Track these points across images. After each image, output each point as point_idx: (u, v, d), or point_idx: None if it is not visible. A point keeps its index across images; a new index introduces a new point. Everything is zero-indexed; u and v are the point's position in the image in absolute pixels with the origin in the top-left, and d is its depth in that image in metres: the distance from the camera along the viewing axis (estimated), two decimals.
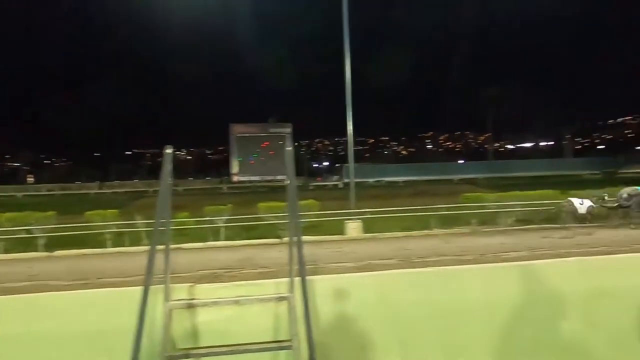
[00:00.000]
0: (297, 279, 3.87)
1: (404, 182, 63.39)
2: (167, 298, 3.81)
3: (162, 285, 3.83)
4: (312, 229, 16.04)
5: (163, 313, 3.76)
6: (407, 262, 5.86)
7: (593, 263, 3.87)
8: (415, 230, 15.04)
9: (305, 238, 13.40)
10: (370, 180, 67.23)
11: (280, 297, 3.95)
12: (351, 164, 17.75)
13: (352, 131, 16.95)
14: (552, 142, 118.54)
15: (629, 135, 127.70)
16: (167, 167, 3.53)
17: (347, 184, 19.85)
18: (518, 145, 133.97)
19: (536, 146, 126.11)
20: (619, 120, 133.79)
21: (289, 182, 3.70)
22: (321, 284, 4.29)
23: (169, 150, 3.60)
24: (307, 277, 3.62)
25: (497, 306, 3.91)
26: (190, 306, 3.98)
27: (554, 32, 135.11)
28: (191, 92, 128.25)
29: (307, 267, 6.80)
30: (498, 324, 3.92)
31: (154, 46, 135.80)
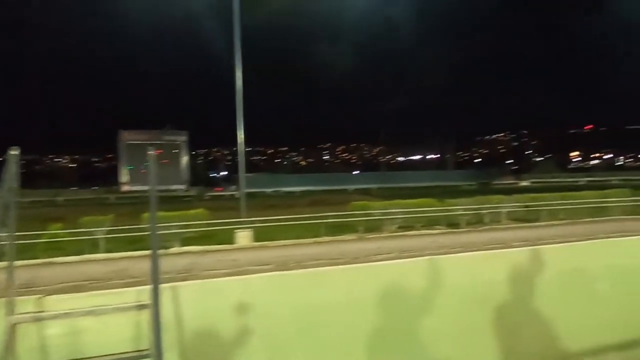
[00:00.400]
0: (161, 286, 3.74)
1: (302, 191, 64.48)
2: (9, 312, 3.49)
3: (2, 299, 3.51)
4: (203, 238, 15.68)
5: (5, 328, 3.43)
6: (283, 267, 6.05)
7: (441, 261, 4.26)
8: (306, 238, 15.39)
9: (193, 248, 13.01)
10: (268, 190, 67.50)
11: (141, 305, 3.81)
12: (242, 173, 17.68)
13: (243, 140, 16.91)
14: (438, 155, 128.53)
15: (501, 151, 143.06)
16: (12, 170, 3.23)
17: (245, 194, 19.73)
18: (408, 158, 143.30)
19: (424, 159, 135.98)
20: (494, 137, 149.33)
21: (152, 191, 3.60)
22: (187, 289, 4.21)
23: (14, 152, 3.31)
24: (175, 284, 3.54)
25: (360, 304, 4.12)
26: (38, 319, 3.68)
27: (441, 55, 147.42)
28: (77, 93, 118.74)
29: (181, 275, 6.77)
30: (361, 321, 4.13)
31: None
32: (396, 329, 4.12)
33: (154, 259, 3.34)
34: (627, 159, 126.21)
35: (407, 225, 18.16)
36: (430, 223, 18.74)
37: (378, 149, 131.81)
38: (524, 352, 4.00)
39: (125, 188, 60.03)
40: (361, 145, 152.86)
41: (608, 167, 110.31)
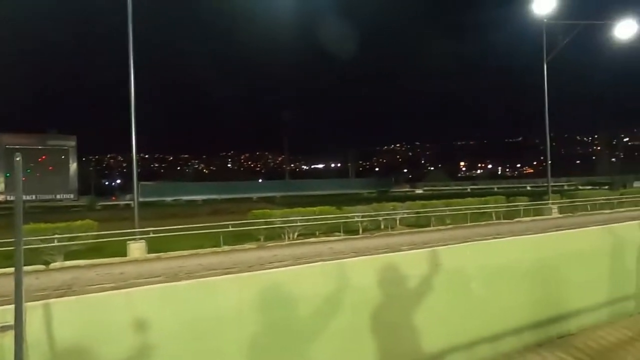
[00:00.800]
0: (30, 304, 3.46)
1: (204, 200, 62.67)
2: None
3: None
4: (92, 251, 14.60)
5: None
6: (174, 279, 5.84)
7: (330, 267, 4.38)
8: (205, 247, 14.99)
9: (78, 262, 12.04)
10: (169, 198, 64.67)
11: (3, 326, 3.46)
12: (135, 180, 16.76)
13: (135, 146, 16.02)
14: (340, 164, 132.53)
15: (399, 160, 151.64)
16: None
17: (142, 203, 18.65)
18: (312, 166, 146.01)
19: (327, 167, 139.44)
20: (392, 147, 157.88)
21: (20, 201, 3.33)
22: (61, 307, 3.91)
23: None
24: (48, 301, 3.27)
25: (250, 313, 4.10)
26: None
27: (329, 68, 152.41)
28: None
29: (59, 292, 6.21)
30: (250, 330, 4.11)
31: None
32: (282, 335, 4.16)
33: (18, 275, 3.08)
34: (505, 169, 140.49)
35: (307, 233, 18.48)
36: (330, 230, 19.25)
37: (282, 157, 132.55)
38: (401, 352, 4.25)
39: (0, 197, 53.97)
40: (265, 153, 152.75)
41: (490, 175, 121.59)
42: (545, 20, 26.74)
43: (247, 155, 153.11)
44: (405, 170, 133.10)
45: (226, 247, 15.30)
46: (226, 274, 6.16)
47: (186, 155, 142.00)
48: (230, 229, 16.95)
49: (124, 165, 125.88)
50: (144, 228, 15.34)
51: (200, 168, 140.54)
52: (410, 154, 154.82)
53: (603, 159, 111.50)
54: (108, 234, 15.46)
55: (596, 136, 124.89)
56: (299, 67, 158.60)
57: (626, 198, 31.82)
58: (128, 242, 14.61)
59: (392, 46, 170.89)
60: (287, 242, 16.69)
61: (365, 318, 4.05)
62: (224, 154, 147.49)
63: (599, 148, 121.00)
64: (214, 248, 15.00)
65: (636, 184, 65.56)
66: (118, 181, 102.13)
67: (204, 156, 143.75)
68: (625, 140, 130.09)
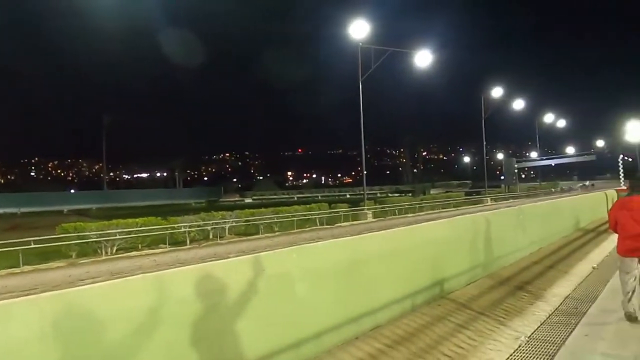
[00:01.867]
0: None
1: None
2: None
3: None
4: None
5: None
6: None
7: (150, 279, 4.10)
8: None
9: None
10: None
11: None
12: None
13: None
14: (166, 173, 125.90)
15: (229, 169, 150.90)
16: None
17: None
18: (135, 176, 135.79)
19: (152, 176, 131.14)
20: (221, 156, 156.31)
21: None
22: None
23: None
24: None
25: (53, 340, 3.58)
26: None
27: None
28: None
29: None
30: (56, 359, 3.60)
31: None
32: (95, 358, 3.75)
33: None
34: (328, 179, 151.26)
35: (128, 247, 17.07)
36: (155, 242, 18.11)
37: (99, 165, 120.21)
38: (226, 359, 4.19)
39: None
40: (79, 160, 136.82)
41: (315, 184, 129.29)
42: (360, 44, 29.88)
43: (55, 162, 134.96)
44: (235, 180, 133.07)
45: (27, 267, 13.19)
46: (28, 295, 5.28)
47: None
48: (33, 245, 14.67)
49: None
50: None
51: None
52: (240, 163, 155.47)
53: (407, 170, 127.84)
54: None
55: (402, 150, 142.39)
56: (122, 71, 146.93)
57: (425, 203, 37.55)
58: None
59: (226, 55, 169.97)
60: (104, 258, 15.15)
61: (188, 329, 3.90)
62: (25, 160, 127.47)
63: (404, 160, 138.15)
64: (12, 269, 12.80)
65: (433, 191, 76.91)
66: None
67: None
68: (424, 154, 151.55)
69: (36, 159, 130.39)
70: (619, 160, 44.05)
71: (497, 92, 51.87)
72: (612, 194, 23.25)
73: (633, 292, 5.19)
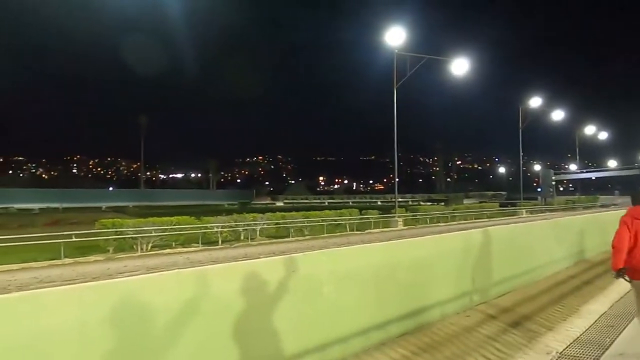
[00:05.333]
0: None
1: (41, 209, 55.50)
2: None
3: None
4: None
5: None
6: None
7: (189, 274, 4.24)
8: (41, 260, 13.29)
9: None
10: None
11: None
12: None
13: None
14: (200, 174, 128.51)
15: (261, 172, 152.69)
16: None
17: None
18: (170, 176, 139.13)
19: (186, 177, 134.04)
20: (254, 159, 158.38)
21: None
22: None
23: None
24: None
25: (94, 328, 3.75)
26: None
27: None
28: None
29: None
30: (98, 347, 3.76)
31: None
32: (136, 349, 3.92)
33: None
34: (359, 185, 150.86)
35: (163, 244, 17.54)
36: (188, 241, 18.55)
37: (137, 164, 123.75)
38: (259, 355, 4.29)
39: None
40: (118, 159, 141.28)
41: (346, 190, 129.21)
42: (396, 50, 29.79)
43: (96, 161, 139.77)
44: (267, 183, 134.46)
45: (67, 260, 13.76)
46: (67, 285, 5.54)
47: (21, 158, 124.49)
48: (74, 239, 15.29)
49: None
50: None
51: (38, 173, 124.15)
52: (272, 166, 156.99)
53: (440, 179, 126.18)
54: None
55: (435, 158, 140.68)
56: (159, 73, 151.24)
57: (458, 213, 36.88)
58: None
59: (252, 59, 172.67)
60: (139, 254, 15.63)
61: (225, 325, 4.02)
62: (68, 158, 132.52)
63: (437, 169, 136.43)
64: (52, 261, 13.38)
65: (466, 201, 75.47)
66: None
67: (44, 160, 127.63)
68: (458, 163, 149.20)
69: (78, 157, 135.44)
70: None
71: (535, 101, 50.69)
72: None
73: None
